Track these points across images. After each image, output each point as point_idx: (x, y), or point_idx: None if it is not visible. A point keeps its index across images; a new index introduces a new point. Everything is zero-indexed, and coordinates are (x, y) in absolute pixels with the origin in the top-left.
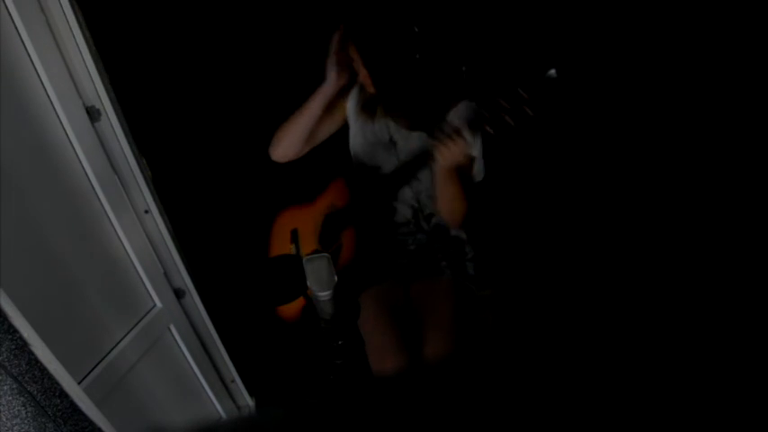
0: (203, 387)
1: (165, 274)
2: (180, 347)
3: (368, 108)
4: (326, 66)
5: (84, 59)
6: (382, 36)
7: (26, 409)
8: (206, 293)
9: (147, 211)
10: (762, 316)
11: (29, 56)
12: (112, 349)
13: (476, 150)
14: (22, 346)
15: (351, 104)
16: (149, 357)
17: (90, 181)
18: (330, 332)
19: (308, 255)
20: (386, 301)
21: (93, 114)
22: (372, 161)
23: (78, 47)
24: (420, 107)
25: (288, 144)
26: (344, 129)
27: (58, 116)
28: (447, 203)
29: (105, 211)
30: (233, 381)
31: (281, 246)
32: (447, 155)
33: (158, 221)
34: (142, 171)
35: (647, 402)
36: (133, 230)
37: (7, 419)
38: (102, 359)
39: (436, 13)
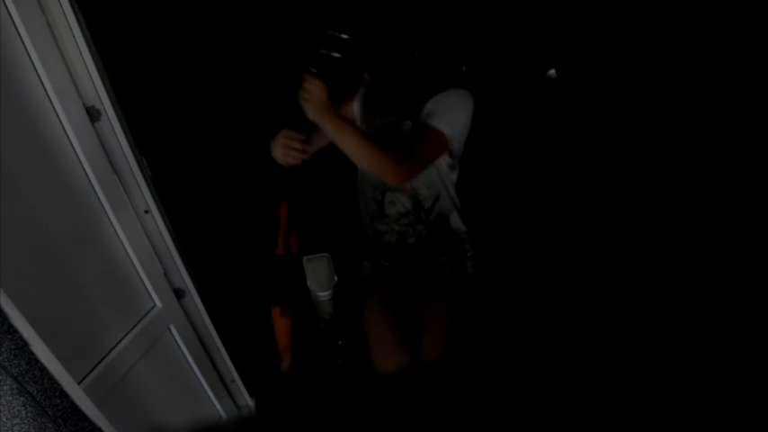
0: (203, 387)
1: (165, 274)
2: (180, 347)
3: (371, 103)
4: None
5: (84, 59)
6: (384, 36)
7: (26, 409)
8: (206, 293)
9: (147, 211)
10: (762, 316)
11: (29, 56)
12: (112, 349)
13: (445, 126)
14: (22, 346)
15: (356, 103)
16: (149, 357)
17: (90, 181)
18: (330, 332)
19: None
20: (387, 299)
21: (93, 114)
22: None
23: (78, 47)
24: (414, 99)
25: (281, 159)
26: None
27: (58, 116)
28: (359, 158)
29: (105, 211)
30: (233, 381)
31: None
32: (308, 98)
33: (158, 221)
34: (142, 171)
35: (646, 403)
36: (133, 230)
37: (7, 419)
38: (102, 359)
39: (437, 13)
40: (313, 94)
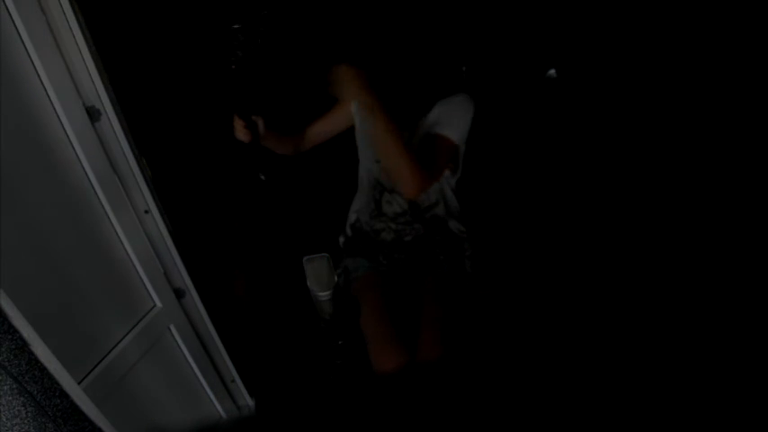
0: (203, 387)
1: (165, 274)
2: (180, 347)
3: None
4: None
5: (84, 59)
6: (383, 39)
7: (26, 409)
8: (206, 293)
9: (147, 211)
10: (762, 316)
11: (29, 56)
12: (112, 349)
13: (453, 133)
14: (22, 346)
15: (355, 105)
16: (149, 357)
17: (90, 181)
18: (330, 332)
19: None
20: (384, 298)
21: (93, 114)
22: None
23: (78, 47)
24: (410, 106)
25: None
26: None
27: (58, 116)
28: (384, 159)
29: (105, 211)
30: (233, 381)
31: None
32: (344, 80)
33: (158, 221)
34: (142, 171)
35: (645, 403)
36: (133, 230)
37: (7, 419)
38: (102, 359)
39: (437, 13)
40: (344, 77)
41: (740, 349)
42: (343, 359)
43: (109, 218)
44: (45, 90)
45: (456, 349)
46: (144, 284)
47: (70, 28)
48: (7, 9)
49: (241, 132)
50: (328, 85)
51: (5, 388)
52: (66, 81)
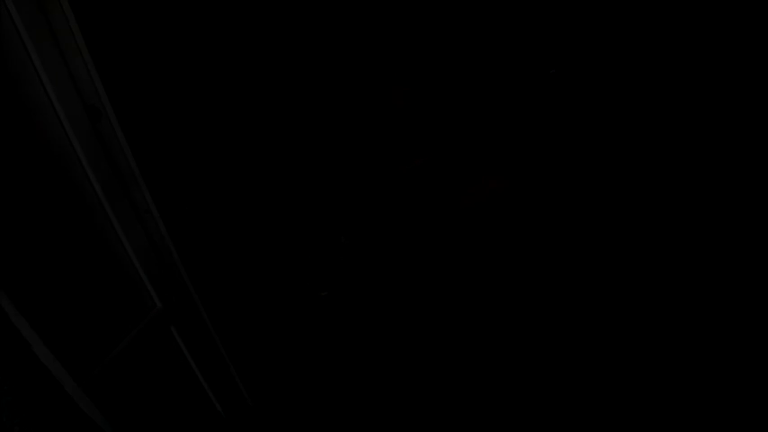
0: (203, 387)
1: (165, 273)
2: (180, 347)
3: None
4: None
5: (84, 59)
6: None
7: (26, 408)
8: (206, 293)
9: (147, 211)
10: (762, 316)
11: (29, 56)
12: (113, 349)
13: None
14: (23, 346)
15: None
16: (149, 357)
17: (90, 181)
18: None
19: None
20: None
21: (93, 114)
22: None
23: (78, 47)
24: None
25: None
26: None
27: (58, 116)
28: None
29: (105, 211)
30: (232, 379)
31: None
32: None
33: (158, 221)
34: (142, 171)
35: (645, 403)
36: (133, 230)
37: (8, 419)
38: (103, 359)
39: (438, 15)
40: None
41: (740, 349)
42: (343, 356)
43: (109, 218)
44: (45, 90)
45: (456, 349)
46: (144, 284)
47: (70, 28)
48: (7, 9)
49: None
50: None
51: (5, 388)
52: (66, 81)
